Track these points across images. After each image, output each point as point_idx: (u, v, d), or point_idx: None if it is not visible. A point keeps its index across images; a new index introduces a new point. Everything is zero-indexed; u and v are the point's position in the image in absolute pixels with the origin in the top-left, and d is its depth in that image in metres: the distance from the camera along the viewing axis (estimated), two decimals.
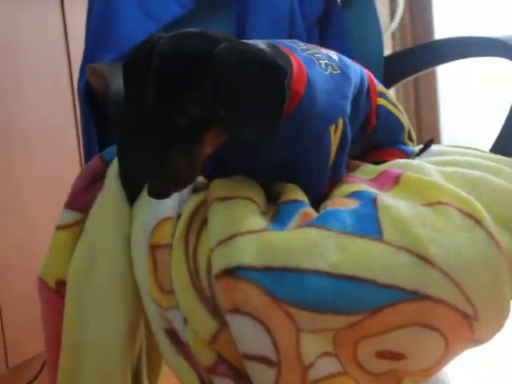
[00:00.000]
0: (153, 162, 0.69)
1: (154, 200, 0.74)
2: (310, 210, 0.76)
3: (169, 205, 0.77)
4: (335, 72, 0.84)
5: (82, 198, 0.85)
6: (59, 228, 0.85)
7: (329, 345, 0.70)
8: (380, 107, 0.96)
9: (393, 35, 3.06)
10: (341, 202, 0.78)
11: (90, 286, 0.80)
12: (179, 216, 0.77)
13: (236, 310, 0.68)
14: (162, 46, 0.70)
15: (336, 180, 0.86)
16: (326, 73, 0.83)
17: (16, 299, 1.39)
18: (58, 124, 1.50)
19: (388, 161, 0.91)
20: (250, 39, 0.78)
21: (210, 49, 0.69)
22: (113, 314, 0.81)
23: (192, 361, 0.75)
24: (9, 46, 1.40)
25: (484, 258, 0.72)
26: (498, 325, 0.75)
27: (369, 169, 0.89)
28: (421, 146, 1.00)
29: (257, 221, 0.73)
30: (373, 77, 0.97)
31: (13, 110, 1.40)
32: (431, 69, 1.37)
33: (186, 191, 0.79)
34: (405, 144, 1.00)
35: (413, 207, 0.75)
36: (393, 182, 0.82)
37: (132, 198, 0.81)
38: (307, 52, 0.84)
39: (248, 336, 0.69)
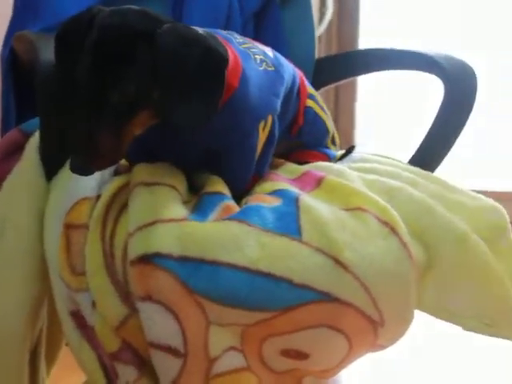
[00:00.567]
0: (79, 137, 0.67)
1: (73, 178, 0.73)
2: (231, 203, 0.76)
3: (88, 184, 0.75)
4: (269, 69, 0.84)
5: None
6: None
7: (236, 340, 0.70)
8: (308, 109, 0.97)
9: (319, 39, 3.10)
10: (263, 199, 0.78)
11: None
12: (98, 197, 0.75)
13: (148, 298, 0.67)
14: (103, 19, 0.68)
15: (259, 176, 0.86)
16: (261, 68, 0.82)
17: None
18: None
19: (311, 162, 0.92)
20: None
21: (152, 28, 0.68)
22: (16, 290, 0.79)
23: (95, 345, 0.74)
24: None
25: (395, 266, 0.73)
26: (400, 332, 0.77)
27: (292, 168, 0.89)
28: (343, 152, 1.01)
29: (178, 210, 0.72)
30: (304, 78, 0.98)
31: None
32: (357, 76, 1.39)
33: (107, 173, 0.78)
34: (328, 148, 1.01)
35: (333, 211, 0.76)
36: (315, 183, 0.82)
37: (50, 173, 0.79)
38: (243, 45, 0.83)
39: (157, 324, 0.68)
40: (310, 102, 0.96)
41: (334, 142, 1.03)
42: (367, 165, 0.92)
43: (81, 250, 0.72)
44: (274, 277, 0.68)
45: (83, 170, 0.67)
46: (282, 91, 0.86)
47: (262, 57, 0.84)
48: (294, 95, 0.92)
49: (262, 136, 0.83)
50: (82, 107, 0.67)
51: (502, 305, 0.79)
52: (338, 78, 1.32)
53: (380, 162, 0.94)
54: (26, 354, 0.82)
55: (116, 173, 0.79)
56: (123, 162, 0.82)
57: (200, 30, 0.73)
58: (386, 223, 0.75)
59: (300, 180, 0.85)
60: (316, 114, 0.97)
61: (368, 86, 3.20)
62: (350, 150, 1.01)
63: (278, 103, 0.85)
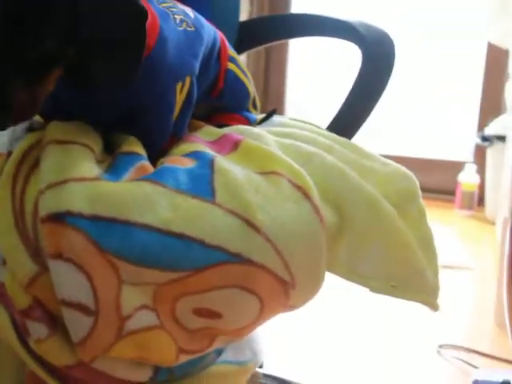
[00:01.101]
0: None
1: None
2: (146, 164, 0.76)
3: None
4: (189, 29, 0.84)
5: None
6: None
7: (149, 298, 0.71)
8: (229, 71, 0.97)
9: (251, 1, 3.08)
10: (178, 161, 0.78)
11: None
12: (10, 154, 0.74)
13: (59, 256, 0.67)
14: None
15: (177, 138, 0.86)
16: (180, 29, 0.82)
17: None
18: None
19: (230, 125, 0.92)
20: None
21: None
22: None
23: (6, 302, 0.73)
24: None
25: (306, 229, 0.75)
26: (311, 293, 0.79)
27: (210, 131, 0.90)
28: (263, 115, 1.02)
29: (91, 169, 0.71)
30: (225, 40, 0.98)
31: None
32: (283, 41, 1.39)
33: (19, 129, 0.76)
34: (249, 111, 1.02)
35: (248, 174, 0.77)
36: (232, 146, 0.83)
37: None
38: (163, 4, 0.83)
39: (68, 282, 0.68)
40: (230, 65, 0.96)
41: (254, 106, 1.03)
42: (286, 129, 0.93)
43: None
44: (186, 237, 0.69)
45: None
46: (201, 52, 0.86)
47: (182, 17, 0.84)
48: (214, 57, 0.92)
49: (180, 97, 0.83)
50: None
51: (407, 268, 0.83)
52: (263, 41, 1.32)
53: (299, 126, 0.95)
54: None
55: (29, 129, 0.78)
56: (37, 118, 0.81)
57: None
58: (299, 187, 0.77)
59: (218, 143, 0.85)
60: (237, 77, 0.98)
61: (301, 47, 3.21)
62: (270, 114, 1.02)
63: (197, 64, 0.84)
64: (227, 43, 0.98)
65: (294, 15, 1.28)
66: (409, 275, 0.83)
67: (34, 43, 0.65)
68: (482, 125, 3.26)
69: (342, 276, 0.81)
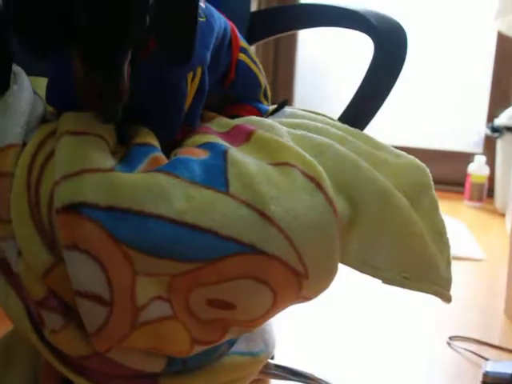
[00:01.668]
0: (106, 79, 0.67)
1: (0, 123, 0.72)
2: (160, 155, 0.76)
3: (14, 131, 0.73)
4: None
5: None
6: None
7: (163, 289, 0.71)
8: (240, 62, 0.97)
9: None
10: (192, 152, 0.78)
11: None
12: (24, 145, 0.74)
13: (74, 246, 0.68)
14: None
15: (189, 129, 0.86)
16: None
17: None
18: None
19: (242, 116, 0.92)
20: None
21: None
22: None
23: (21, 293, 0.74)
24: None
25: (320, 220, 0.75)
26: (324, 284, 0.79)
27: (223, 122, 0.90)
28: (275, 106, 1.02)
29: (105, 160, 0.71)
30: (236, 31, 0.98)
31: None
32: (293, 31, 1.38)
33: (33, 120, 0.76)
34: (260, 102, 1.02)
35: (261, 165, 0.77)
36: (245, 137, 0.83)
37: None
38: None
39: (83, 273, 0.68)
40: (242, 56, 0.96)
41: (266, 96, 1.04)
42: (297, 120, 0.93)
43: (6, 197, 0.71)
44: (200, 228, 0.69)
45: (113, 113, 0.69)
46: (212, 42, 0.86)
47: None
48: (225, 48, 0.92)
49: (191, 87, 0.83)
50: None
51: (420, 259, 0.82)
52: (273, 31, 1.32)
53: (310, 117, 0.95)
54: None
55: (43, 120, 0.78)
56: (50, 109, 0.81)
57: None
58: (311, 178, 0.77)
59: (230, 134, 0.85)
60: (248, 68, 0.98)
61: (311, 38, 3.20)
62: (282, 104, 1.02)
63: (208, 55, 0.85)
64: (238, 34, 0.98)
65: (304, 5, 1.27)
66: (421, 266, 0.83)
67: (139, 30, 0.68)
68: (491, 116, 3.25)
69: (354, 267, 0.81)
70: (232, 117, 0.92)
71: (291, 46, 3.27)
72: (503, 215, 2.88)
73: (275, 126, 0.86)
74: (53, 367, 0.78)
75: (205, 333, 0.76)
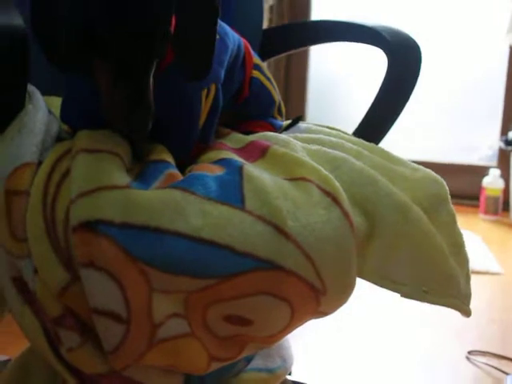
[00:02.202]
0: (138, 89, 0.68)
1: (13, 143, 0.72)
2: (175, 171, 0.76)
3: (29, 150, 0.73)
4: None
5: None
6: None
7: (180, 306, 0.71)
8: (254, 79, 0.97)
9: (271, 9, 3.09)
10: (207, 168, 0.78)
11: None
12: (40, 163, 0.74)
13: (91, 264, 0.67)
14: None
15: (204, 145, 0.86)
16: None
17: None
18: None
19: (257, 132, 0.92)
20: None
21: None
22: None
23: (38, 311, 0.74)
24: None
25: (337, 235, 0.75)
26: (342, 299, 0.78)
27: (237, 138, 0.90)
28: (289, 122, 1.02)
29: (121, 177, 0.71)
30: (250, 48, 0.98)
31: None
32: (306, 47, 1.39)
33: (48, 138, 0.76)
34: (274, 118, 1.02)
35: (276, 180, 0.76)
36: (260, 153, 0.83)
37: None
38: None
39: (100, 291, 0.68)
40: (255, 73, 0.97)
41: (280, 112, 1.04)
42: (312, 135, 0.92)
43: (22, 216, 0.71)
44: (217, 244, 0.69)
45: (144, 124, 0.69)
46: (227, 60, 0.86)
47: None
48: (239, 65, 0.92)
49: (206, 104, 0.83)
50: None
51: (439, 273, 0.82)
52: (285, 48, 1.33)
53: (325, 132, 0.95)
54: None
55: (58, 139, 0.78)
56: (65, 127, 0.81)
57: None
58: (328, 193, 0.76)
59: (245, 149, 0.85)
60: (262, 84, 0.98)
61: (322, 55, 3.21)
62: (296, 120, 1.02)
63: (222, 72, 0.85)
64: (252, 50, 0.98)
65: (316, 21, 1.27)
66: (441, 280, 0.82)
67: (165, 42, 0.70)
68: (505, 129, 3.24)
69: (372, 281, 0.81)
70: (246, 133, 0.92)
71: (303, 62, 3.28)
72: None
73: (290, 141, 0.86)
74: None
75: (222, 350, 0.75)
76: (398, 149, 0.97)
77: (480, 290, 2.05)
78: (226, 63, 0.86)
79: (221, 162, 0.79)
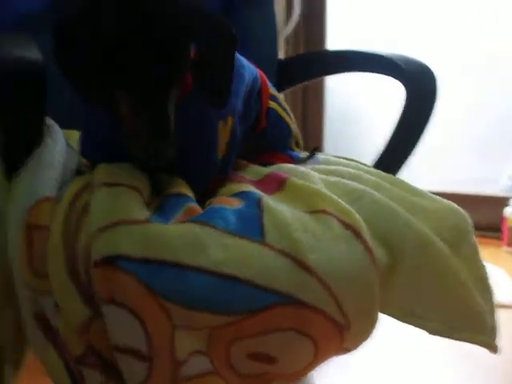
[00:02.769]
0: (159, 117, 0.68)
1: (35, 176, 0.71)
2: (195, 205, 0.76)
3: (49, 183, 0.73)
4: None
5: None
6: None
7: (202, 343, 0.70)
8: (270, 110, 0.97)
9: (286, 40, 3.10)
10: (226, 201, 0.77)
11: None
12: (58, 198, 0.74)
13: (112, 300, 0.66)
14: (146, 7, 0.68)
15: (223, 177, 0.85)
16: None
17: None
18: None
19: (274, 164, 0.91)
20: None
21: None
22: None
23: (61, 348, 0.73)
24: None
25: (359, 269, 0.73)
26: (365, 335, 0.76)
27: (255, 170, 0.89)
28: (307, 153, 1.01)
29: (141, 211, 0.71)
30: (266, 79, 0.98)
31: None
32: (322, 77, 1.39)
33: (68, 172, 0.76)
34: (292, 149, 1.01)
35: (296, 213, 0.75)
36: (278, 185, 0.82)
37: (11, 171, 0.76)
38: None
39: (121, 328, 0.67)
40: (272, 104, 0.96)
41: (297, 144, 1.03)
42: (331, 167, 0.92)
43: (43, 251, 0.71)
44: (238, 279, 0.68)
45: (166, 152, 0.69)
46: (243, 91, 0.86)
47: None
48: (255, 95, 0.92)
49: (223, 136, 0.83)
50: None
51: (464, 308, 0.79)
52: (302, 78, 1.33)
53: (343, 164, 0.94)
54: None
55: (77, 172, 0.78)
56: (84, 161, 0.81)
57: None
58: (348, 226, 0.75)
59: (263, 182, 0.85)
60: (279, 116, 0.98)
61: (338, 86, 3.21)
62: (313, 151, 1.01)
63: (239, 104, 0.84)
64: (268, 81, 0.98)
65: (333, 51, 1.28)
66: (466, 316, 0.80)
67: (185, 70, 0.71)
68: None
69: (395, 317, 0.79)
70: (264, 164, 0.92)
71: (319, 94, 3.28)
72: None
73: (308, 173, 0.85)
74: None
75: None
76: (418, 180, 0.96)
77: (505, 325, 2.00)
78: (242, 95, 0.86)
79: (240, 194, 0.79)
